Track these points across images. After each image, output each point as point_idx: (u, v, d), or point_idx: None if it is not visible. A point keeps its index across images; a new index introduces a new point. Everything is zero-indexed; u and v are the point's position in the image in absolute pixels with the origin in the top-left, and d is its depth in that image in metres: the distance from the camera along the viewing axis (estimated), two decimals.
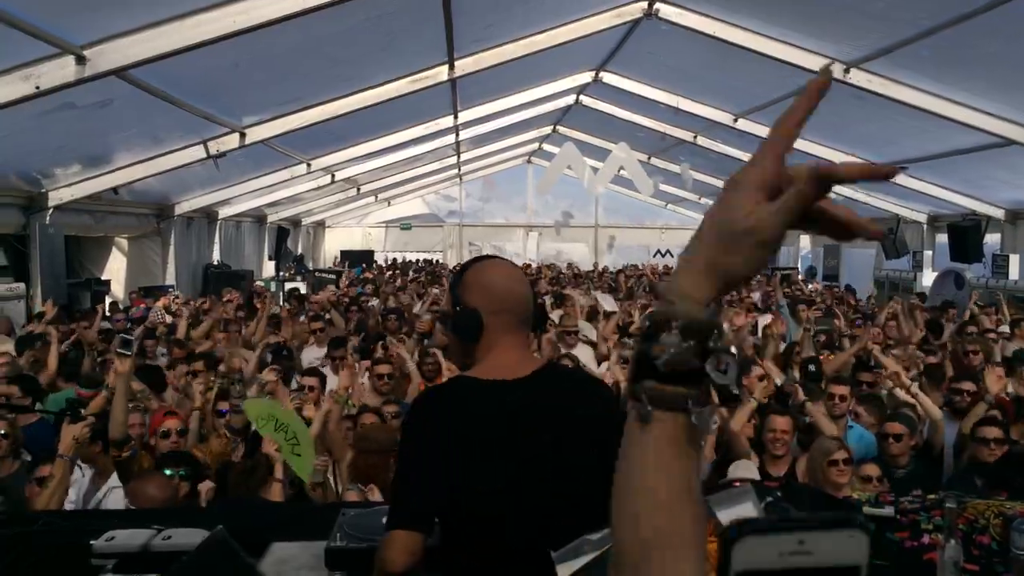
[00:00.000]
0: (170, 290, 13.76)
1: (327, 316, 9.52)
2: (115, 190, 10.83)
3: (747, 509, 1.72)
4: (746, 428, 4.96)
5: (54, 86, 6.24)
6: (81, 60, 6.15)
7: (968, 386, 5.93)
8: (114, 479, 4.55)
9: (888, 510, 2.94)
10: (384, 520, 2.60)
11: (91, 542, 2.60)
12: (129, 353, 4.67)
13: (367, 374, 6.35)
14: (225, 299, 11.76)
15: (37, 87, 6.19)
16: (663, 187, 19.42)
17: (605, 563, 1.71)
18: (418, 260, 24.83)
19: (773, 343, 8.03)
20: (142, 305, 11.95)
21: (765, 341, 8.15)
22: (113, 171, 10.50)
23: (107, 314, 11.18)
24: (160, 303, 11.35)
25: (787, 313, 10.78)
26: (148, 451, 4.78)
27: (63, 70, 6.18)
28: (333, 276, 18.57)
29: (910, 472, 4.73)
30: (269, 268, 19.84)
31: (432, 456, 1.98)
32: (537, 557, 1.82)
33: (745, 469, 4.15)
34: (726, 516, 1.68)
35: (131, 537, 2.60)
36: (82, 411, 4.47)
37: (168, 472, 3.92)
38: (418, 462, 2.01)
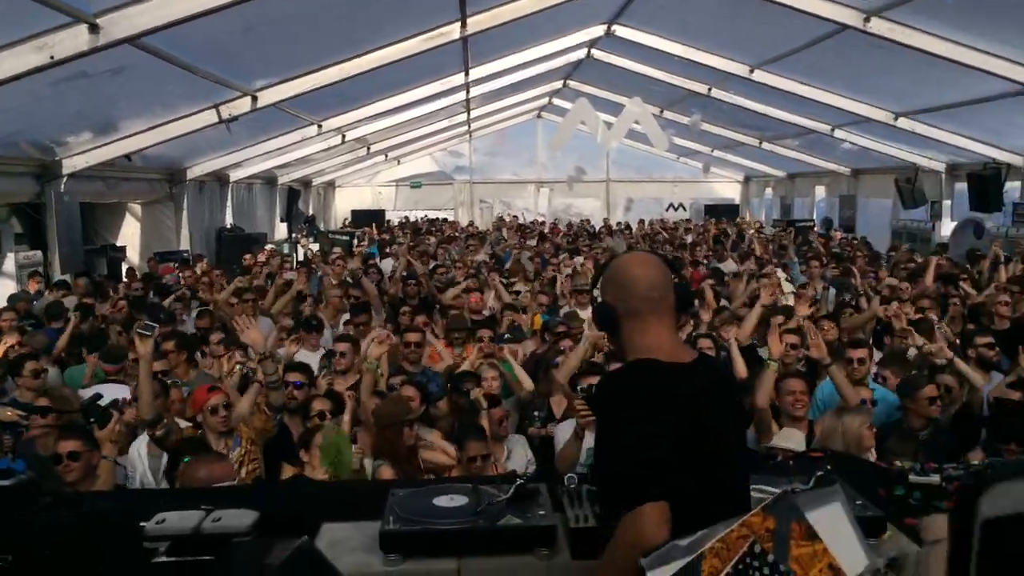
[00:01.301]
0: (184, 255, 13.78)
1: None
2: (128, 156, 10.80)
3: (836, 511, 1.69)
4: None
5: (68, 56, 6.18)
6: (94, 28, 6.07)
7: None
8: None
9: (934, 478, 2.92)
10: (435, 500, 2.62)
11: (142, 523, 2.61)
12: (150, 334, 4.69)
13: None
14: (247, 264, 11.72)
15: (51, 57, 6.13)
16: (676, 140, 19.26)
17: (694, 569, 1.75)
18: (424, 217, 24.66)
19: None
20: (172, 272, 12.01)
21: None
22: (126, 138, 10.45)
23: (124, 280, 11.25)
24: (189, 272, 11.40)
25: (798, 273, 10.68)
26: (197, 428, 4.81)
27: (77, 39, 6.12)
28: (345, 237, 18.52)
29: (928, 437, 4.72)
30: (282, 230, 19.82)
31: (660, 428, 2.01)
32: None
33: (787, 438, 4.13)
34: (815, 518, 1.66)
35: (182, 519, 2.60)
36: (101, 406, 4.50)
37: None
38: (650, 434, 2.02)
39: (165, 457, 4.53)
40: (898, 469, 2.94)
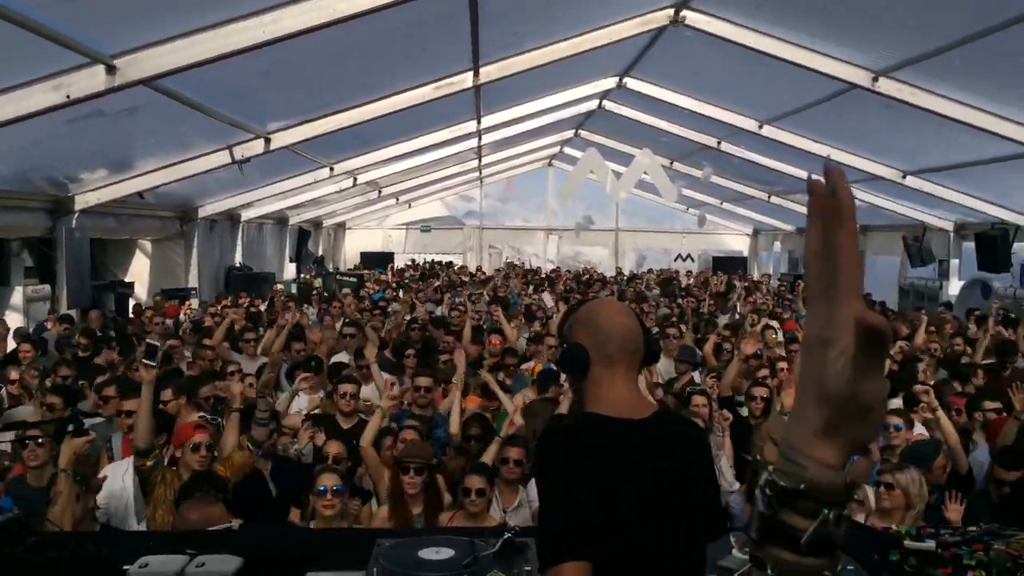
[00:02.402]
0: (192, 292, 13.85)
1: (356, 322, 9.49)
2: (140, 194, 10.90)
3: None
4: None
5: (84, 95, 6.27)
6: (111, 70, 6.17)
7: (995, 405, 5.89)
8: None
9: (929, 543, 2.89)
10: (421, 553, 2.60)
11: (125, 567, 2.59)
12: (154, 363, 4.69)
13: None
14: (241, 302, 11.75)
15: (68, 96, 6.22)
16: (685, 192, 19.38)
17: None
18: (430, 262, 24.71)
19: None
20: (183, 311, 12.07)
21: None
22: (139, 176, 10.57)
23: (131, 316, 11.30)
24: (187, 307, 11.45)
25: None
26: (171, 463, 4.78)
27: (93, 79, 6.21)
28: (354, 279, 18.60)
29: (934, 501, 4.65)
30: (291, 270, 19.92)
31: (582, 487, 1.99)
32: None
33: None
34: None
35: (165, 564, 2.59)
36: (82, 421, 4.51)
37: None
38: (572, 492, 2.00)
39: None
40: (893, 534, 2.91)
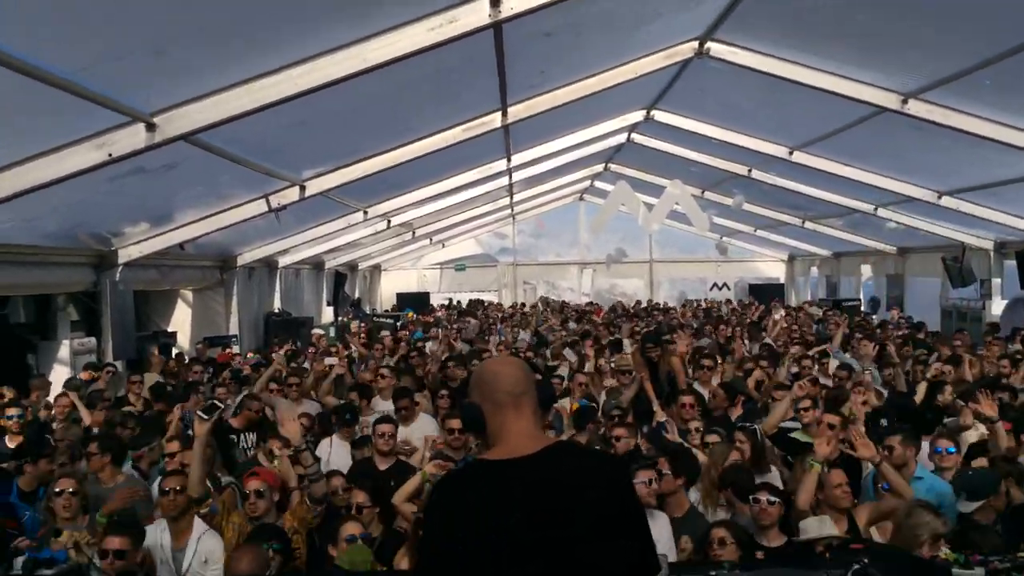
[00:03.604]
0: (233, 340, 14.06)
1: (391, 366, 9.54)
2: (181, 246, 11.14)
3: None
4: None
5: (125, 153, 6.46)
6: (151, 127, 6.36)
7: None
8: (199, 524, 4.66)
9: (979, 571, 2.85)
10: None
11: None
12: (209, 418, 4.80)
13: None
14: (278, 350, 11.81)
15: (110, 154, 6.41)
16: (717, 220, 19.31)
17: None
18: (458, 302, 24.76)
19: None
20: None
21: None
22: (179, 228, 10.83)
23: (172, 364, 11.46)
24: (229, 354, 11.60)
25: (844, 357, 10.42)
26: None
27: (134, 137, 6.40)
28: (391, 320, 18.74)
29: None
30: (328, 313, 20.12)
31: (448, 543, 2.13)
32: None
33: (819, 527, 3.99)
34: None
35: None
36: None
37: (264, 545, 3.99)
38: (437, 550, 2.17)
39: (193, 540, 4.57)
40: (942, 562, 2.87)
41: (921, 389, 7.50)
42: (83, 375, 9.95)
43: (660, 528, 4.45)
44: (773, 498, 4.40)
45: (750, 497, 4.55)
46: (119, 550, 4.08)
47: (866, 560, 2.56)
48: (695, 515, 4.96)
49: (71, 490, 4.93)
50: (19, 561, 3.10)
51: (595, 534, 2.13)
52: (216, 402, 5.21)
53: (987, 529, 4.38)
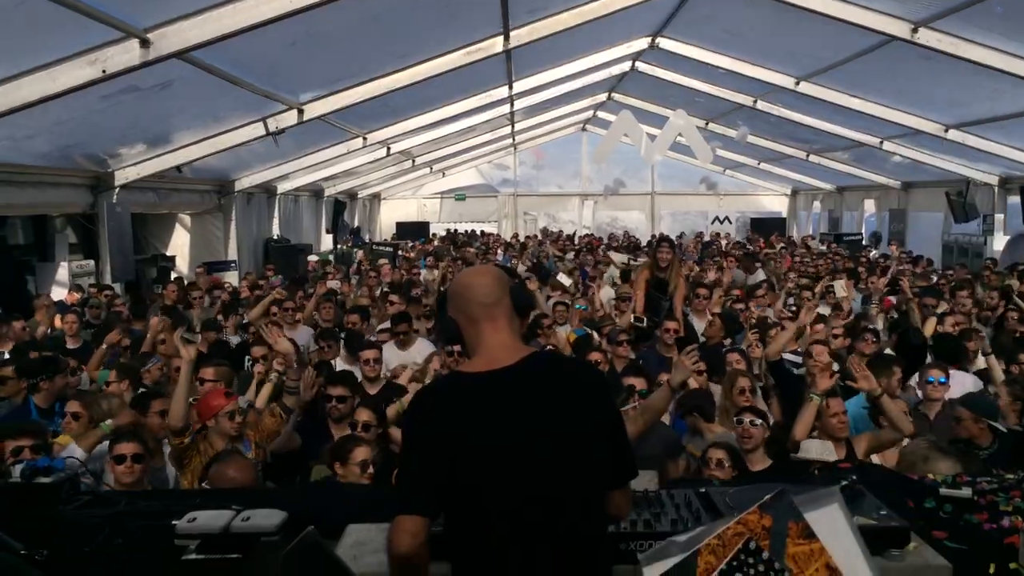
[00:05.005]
0: (232, 265, 14.05)
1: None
2: (178, 168, 11.05)
3: (834, 511, 1.68)
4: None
5: (119, 70, 6.35)
6: (145, 43, 6.25)
7: None
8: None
9: (965, 491, 2.87)
10: None
11: (174, 522, 2.68)
12: (194, 341, 4.80)
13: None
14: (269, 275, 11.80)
15: (104, 71, 6.31)
16: (721, 152, 19.14)
17: (690, 565, 1.76)
18: (455, 231, 24.66)
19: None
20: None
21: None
22: (176, 150, 10.72)
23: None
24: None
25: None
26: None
27: (128, 54, 6.29)
28: (390, 249, 18.72)
29: (993, 452, 4.59)
30: (327, 241, 20.09)
31: (425, 449, 2.15)
32: (532, 537, 2.07)
33: (820, 449, 4.05)
34: (813, 518, 1.65)
35: (212, 518, 2.66)
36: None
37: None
38: (415, 454, 2.19)
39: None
40: (929, 482, 2.89)
41: (930, 325, 7.51)
42: (67, 297, 9.95)
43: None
44: (757, 420, 4.45)
45: (735, 418, 4.61)
46: (137, 454, 4.18)
47: (854, 477, 2.58)
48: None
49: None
50: (17, 469, 3.12)
51: (572, 441, 2.15)
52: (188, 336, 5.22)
53: (971, 454, 4.45)
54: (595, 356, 6.18)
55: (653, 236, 23.98)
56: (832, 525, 1.59)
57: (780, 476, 3.47)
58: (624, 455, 2.28)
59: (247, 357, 6.98)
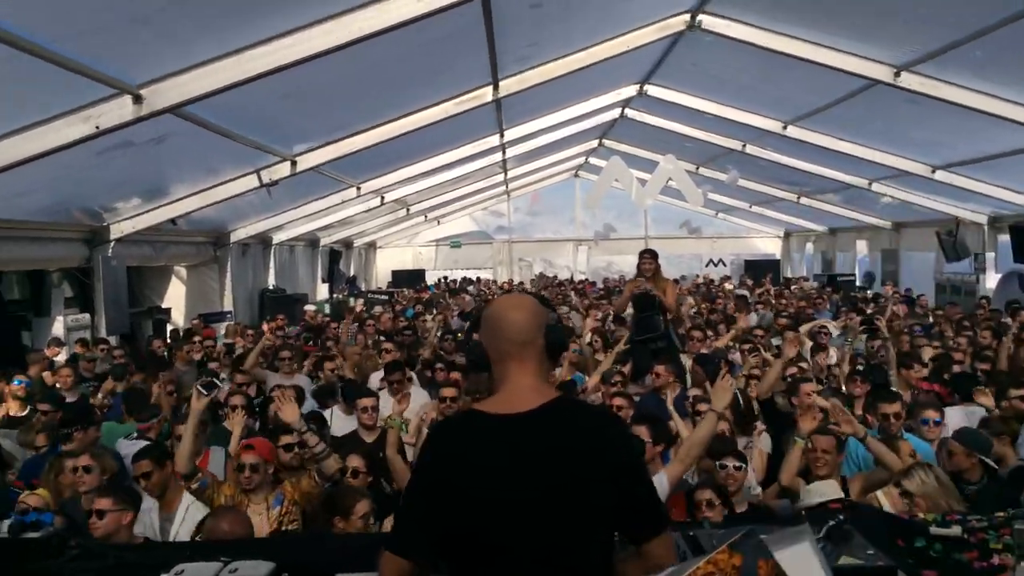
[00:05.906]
0: (228, 316, 14.06)
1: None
2: (173, 221, 11.11)
3: (805, 550, 1.69)
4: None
5: (113, 125, 6.42)
6: (138, 99, 6.32)
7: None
8: (186, 496, 4.70)
9: (955, 529, 2.87)
10: None
11: (163, 575, 2.67)
12: (208, 394, 4.81)
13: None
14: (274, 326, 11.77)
15: (97, 127, 6.38)
16: (712, 196, 19.30)
17: None
18: (451, 280, 24.72)
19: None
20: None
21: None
22: (171, 203, 10.79)
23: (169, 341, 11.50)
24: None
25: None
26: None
27: (121, 110, 6.36)
28: (385, 297, 18.76)
29: (981, 488, 4.58)
30: (323, 290, 20.13)
31: (430, 494, 2.13)
32: None
33: (824, 491, 4.01)
34: (783, 557, 1.65)
35: (199, 571, 2.66)
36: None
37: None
38: (419, 497, 2.17)
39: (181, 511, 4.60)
40: (919, 521, 2.90)
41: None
42: (48, 352, 9.88)
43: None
44: (739, 463, 4.44)
45: (717, 464, 4.59)
46: (100, 510, 4.10)
47: (841, 517, 2.59)
48: None
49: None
50: (4, 524, 3.12)
51: (571, 489, 2.09)
52: (215, 380, 5.21)
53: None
54: (617, 402, 6.06)
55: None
56: (804, 564, 1.61)
57: (766, 516, 3.46)
58: (644, 502, 2.18)
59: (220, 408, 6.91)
